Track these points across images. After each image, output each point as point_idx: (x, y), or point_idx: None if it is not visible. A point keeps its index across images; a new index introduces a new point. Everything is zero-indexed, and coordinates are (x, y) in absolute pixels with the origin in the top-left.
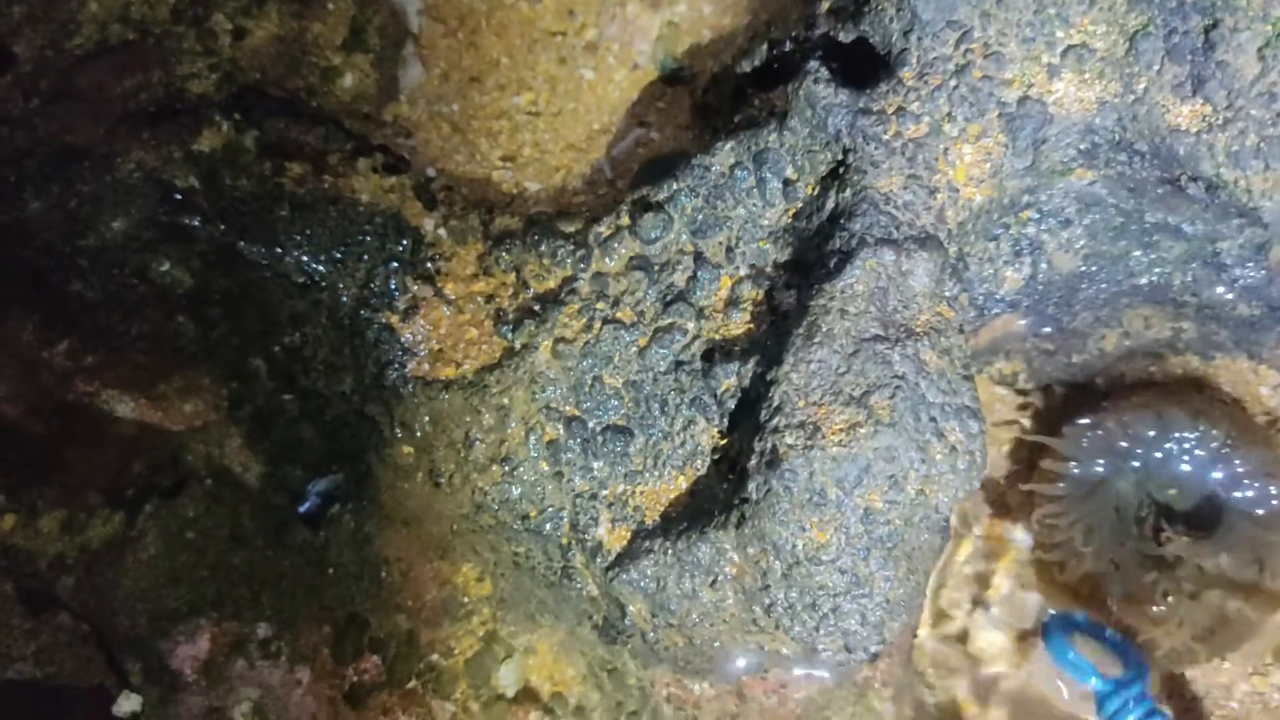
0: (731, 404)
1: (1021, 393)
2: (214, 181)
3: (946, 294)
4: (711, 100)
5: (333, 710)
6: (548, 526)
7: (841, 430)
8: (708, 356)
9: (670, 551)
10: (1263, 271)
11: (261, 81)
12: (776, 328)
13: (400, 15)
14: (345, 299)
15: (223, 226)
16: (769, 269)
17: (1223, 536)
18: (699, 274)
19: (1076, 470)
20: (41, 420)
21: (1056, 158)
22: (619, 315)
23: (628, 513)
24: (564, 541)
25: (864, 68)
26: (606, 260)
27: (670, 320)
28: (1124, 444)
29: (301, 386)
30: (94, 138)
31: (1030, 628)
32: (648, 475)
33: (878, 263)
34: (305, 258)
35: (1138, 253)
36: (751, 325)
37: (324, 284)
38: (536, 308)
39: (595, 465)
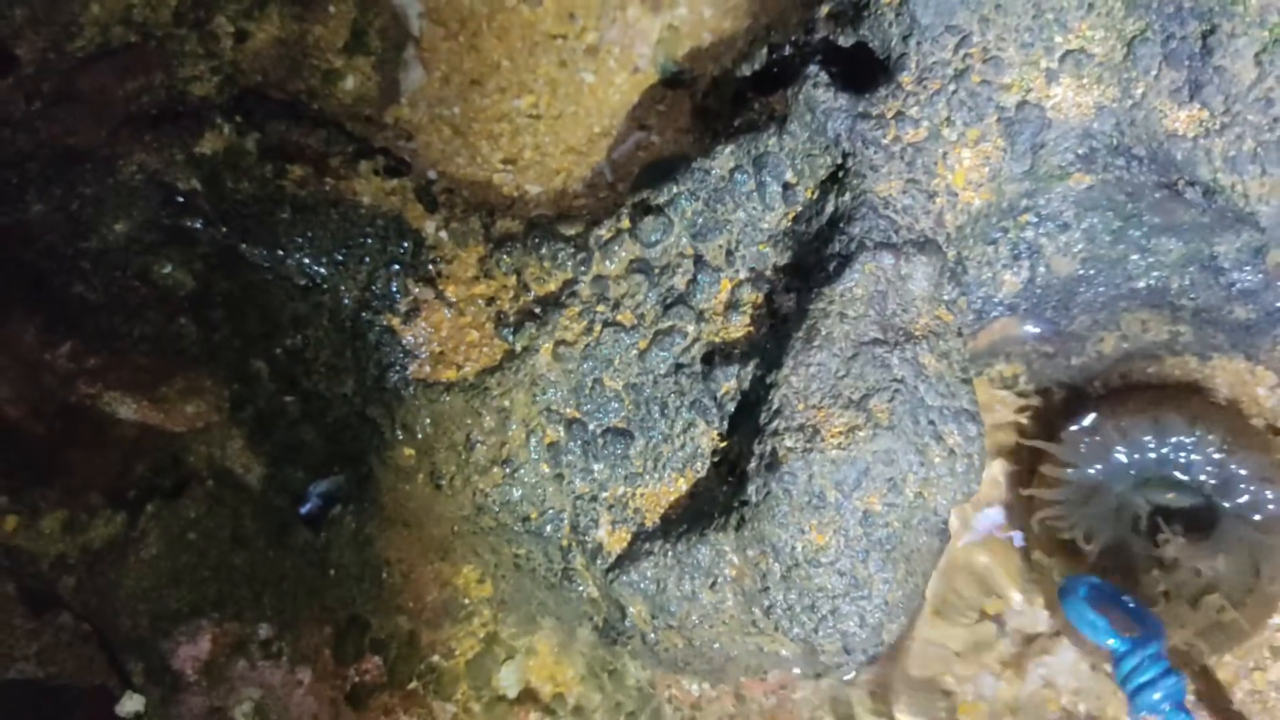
0: (731, 407)
1: (1021, 395)
2: (216, 184)
3: (945, 298)
4: (711, 104)
5: (334, 711)
6: (548, 528)
7: (840, 433)
8: (708, 359)
9: (670, 553)
10: (1260, 275)
11: (263, 84)
12: (776, 331)
13: (401, 18)
14: (347, 301)
15: (224, 229)
16: (769, 272)
17: (1219, 539)
18: (699, 277)
19: (1075, 475)
20: (44, 422)
21: (1055, 162)
22: (619, 318)
23: (628, 515)
24: (564, 543)
25: (863, 72)
26: (607, 263)
27: (670, 323)
28: (1122, 448)
29: (303, 388)
30: (96, 140)
31: (1028, 630)
32: (648, 477)
33: (877, 266)
34: (307, 260)
35: (1135, 256)
36: (751, 328)
37: (325, 286)
38: (537, 310)
39: (596, 467)
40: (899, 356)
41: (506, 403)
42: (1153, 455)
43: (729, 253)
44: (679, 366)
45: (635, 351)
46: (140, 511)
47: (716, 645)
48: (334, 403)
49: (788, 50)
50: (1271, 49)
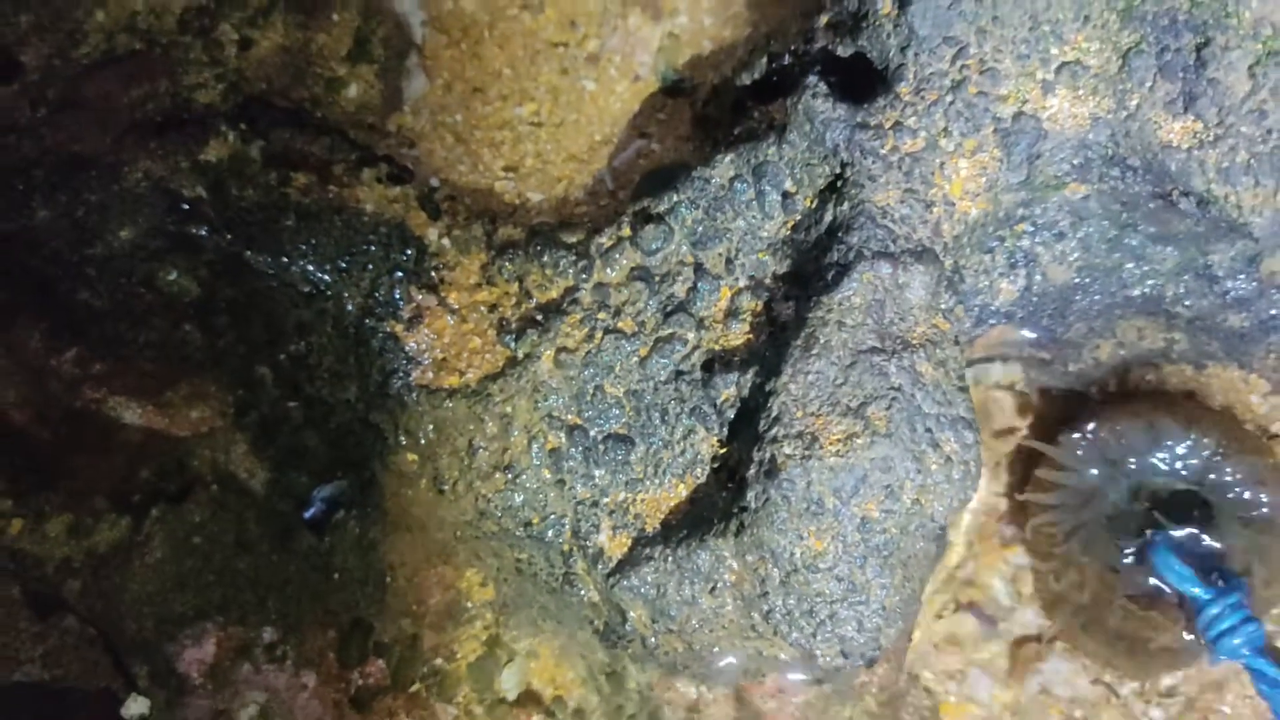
0: (731, 413)
1: (1017, 402)
2: (221, 191)
3: (942, 306)
4: (712, 112)
5: (338, 713)
6: (550, 533)
7: (839, 441)
8: (707, 366)
9: (670, 559)
10: (1254, 284)
11: (267, 92)
12: (775, 339)
13: (404, 26)
14: (350, 308)
15: (229, 236)
16: (768, 280)
17: (1216, 541)
18: (699, 285)
19: (1071, 479)
20: (49, 427)
21: (1051, 172)
22: (620, 325)
23: (628, 520)
24: (566, 548)
25: (862, 82)
26: (608, 271)
27: (671, 330)
28: (1117, 452)
29: (307, 394)
30: (101, 147)
31: (1027, 633)
32: (648, 483)
33: (875, 276)
34: (311, 267)
35: (1130, 265)
36: (750, 336)
37: (329, 293)
38: (539, 317)
39: (597, 473)
40: (897, 365)
41: (509, 409)
42: (1148, 459)
43: (729, 261)
44: (679, 373)
45: (636, 358)
46: (145, 516)
47: (716, 649)
48: (337, 408)
49: (787, 59)
50: (1265, 62)
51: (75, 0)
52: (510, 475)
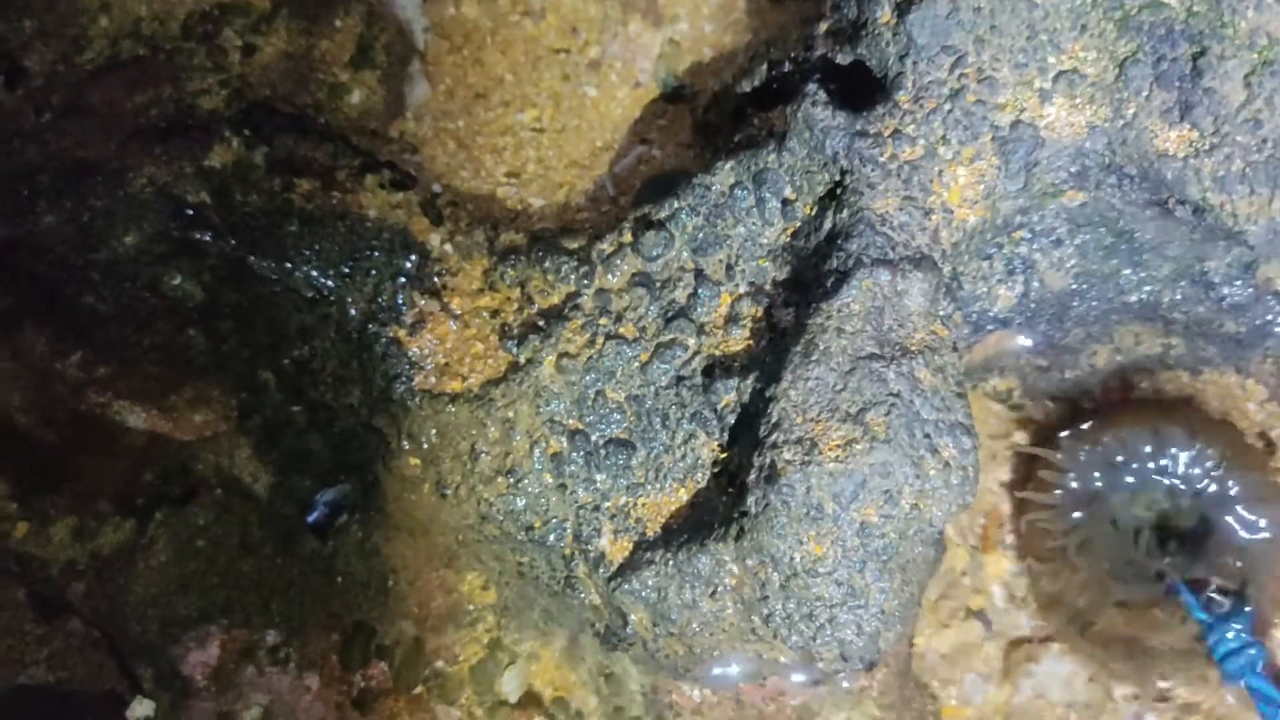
0: (731, 419)
1: (1015, 408)
2: (224, 197)
3: (941, 313)
4: (712, 118)
5: (340, 715)
6: (551, 537)
7: (838, 446)
8: (708, 372)
9: (671, 562)
10: (1250, 290)
11: (270, 98)
12: (775, 345)
13: (407, 33)
14: (353, 313)
15: (233, 241)
16: (768, 286)
17: (1213, 557)
18: (700, 291)
19: (1073, 483)
20: (54, 430)
21: (1048, 180)
22: (621, 331)
23: (630, 524)
24: (567, 552)
25: (861, 89)
26: (609, 277)
27: (671, 336)
28: (1120, 458)
29: (310, 398)
30: (106, 153)
31: (1024, 636)
32: (649, 488)
33: (874, 283)
34: (314, 272)
35: (1128, 271)
36: (751, 342)
37: (332, 298)
38: (541, 323)
39: (598, 478)
40: (895, 371)
41: (511, 414)
42: (1151, 466)
43: (729, 267)
44: (680, 379)
45: (637, 364)
46: (149, 519)
47: (717, 652)
48: (340, 413)
49: (787, 67)
50: (1260, 71)
51: (79, 6)
52: (512, 479)
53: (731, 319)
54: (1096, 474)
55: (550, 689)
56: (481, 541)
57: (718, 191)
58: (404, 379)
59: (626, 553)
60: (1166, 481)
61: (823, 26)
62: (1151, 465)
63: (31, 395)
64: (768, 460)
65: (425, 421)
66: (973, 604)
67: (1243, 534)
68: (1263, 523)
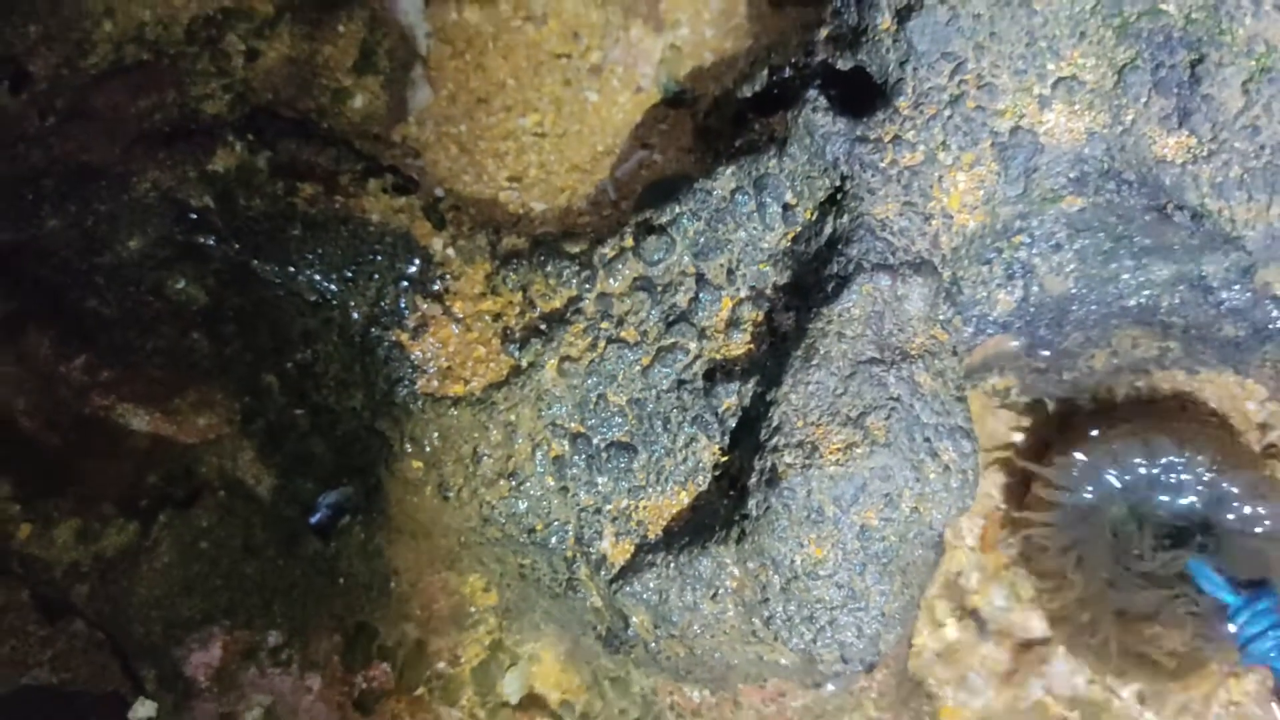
0: (732, 422)
1: (1014, 410)
2: (228, 201)
3: (940, 317)
4: (713, 123)
5: (342, 716)
6: (553, 540)
7: (839, 450)
8: (709, 376)
9: (672, 565)
10: (1249, 294)
11: (274, 102)
12: (776, 349)
13: (409, 38)
14: (356, 317)
15: (237, 245)
16: (769, 291)
17: (1225, 551)
18: (701, 295)
19: (1068, 498)
20: (58, 433)
21: (1047, 185)
22: (623, 335)
23: (631, 527)
24: (569, 554)
25: (861, 95)
26: (611, 281)
27: (673, 340)
28: (1113, 471)
29: (313, 402)
30: (110, 157)
31: (1023, 637)
32: (651, 490)
33: (874, 288)
34: (317, 276)
35: (1126, 276)
36: (752, 346)
37: (335, 302)
38: (543, 326)
39: (600, 480)
40: (895, 375)
41: (513, 417)
42: (1144, 477)
43: (730, 271)
44: (681, 382)
45: (638, 367)
46: (153, 521)
47: (717, 654)
48: (343, 416)
49: (788, 72)
50: (1258, 78)
51: (83, 11)
52: (514, 482)
53: (732, 323)
54: (1090, 488)
55: (552, 691)
56: (483, 544)
57: (719, 196)
58: (406, 382)
59: (628, 555)
60: (1160, 491)
61: (823, 32)
62: (1144, 474)
63: (36, 399)
64: (769, 463)
65: (427, 424)
66: (971, 604)
67: (1244, 531)
68: (1265, 520)
